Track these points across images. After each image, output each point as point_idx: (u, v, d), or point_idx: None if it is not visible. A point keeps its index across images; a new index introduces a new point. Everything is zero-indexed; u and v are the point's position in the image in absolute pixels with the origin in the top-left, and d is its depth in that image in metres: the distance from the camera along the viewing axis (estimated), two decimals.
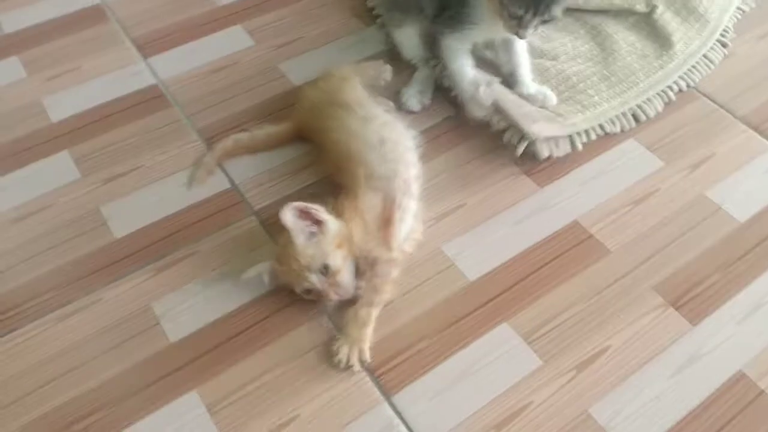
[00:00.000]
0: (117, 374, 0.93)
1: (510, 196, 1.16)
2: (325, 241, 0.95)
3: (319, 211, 0.96)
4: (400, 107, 1.26)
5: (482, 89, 1.17)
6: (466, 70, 1.21)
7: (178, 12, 1.49)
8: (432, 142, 1.20)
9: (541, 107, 1.24)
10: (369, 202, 1.01)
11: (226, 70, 1.37)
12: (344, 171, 1.06)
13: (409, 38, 1.31)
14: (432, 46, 1.29)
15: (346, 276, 0.96)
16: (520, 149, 1.19)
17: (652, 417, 0.90)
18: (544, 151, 1.18)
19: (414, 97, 1.27)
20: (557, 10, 1.09)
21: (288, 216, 0.94)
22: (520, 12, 1.07)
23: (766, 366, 0.95)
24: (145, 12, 1.49)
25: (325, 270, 0.94)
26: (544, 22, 1.10)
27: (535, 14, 1.08)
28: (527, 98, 1.24)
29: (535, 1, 1.06)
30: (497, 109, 1.19)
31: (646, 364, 0.95)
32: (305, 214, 0.96)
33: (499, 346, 0.97)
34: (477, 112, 1.20)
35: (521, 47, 1.25)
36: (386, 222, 1.01)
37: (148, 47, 1.41)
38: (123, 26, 1.46)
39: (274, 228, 1.09)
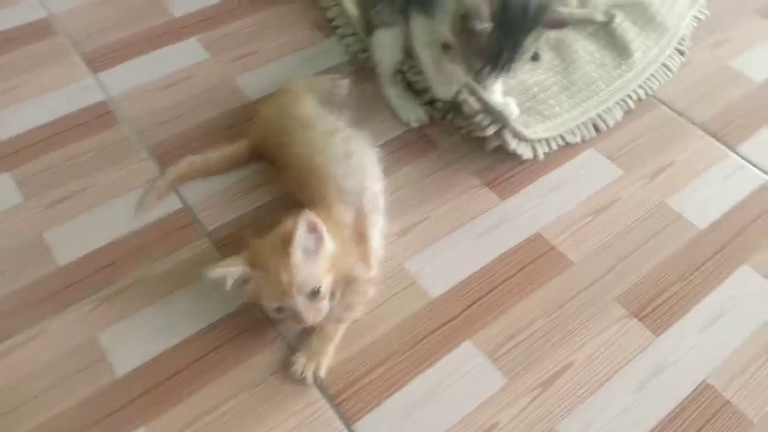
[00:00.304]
0: (58, 414, 0.88)
1: (472, 208, 1.14)
2: (320, 262, 0.88)
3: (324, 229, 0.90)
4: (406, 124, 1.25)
5: (448, 66, 1.15)
6: (433, 45, 1.17)
7: (132, 24, 1.44)
8: (391, 156, 1.18)
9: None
10: (343, 219, 0.97)
11: (180, 85, 1.32)
12: (308, 187, 1.01)
13: (394, 39, 1.23)
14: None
15: (327, 302, 0.90)
16: (491, 130, 1.16)
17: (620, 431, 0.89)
18: (511, 143, 1.17)
19: (412, 111, 1.25)
20: (518, 67, 1.07)
21: (303, 227, 0.86)
22: (477, 66, 1.05)
23: (730, 375, 0.95)
24: (96, 25, 1.44)
25: (314, 294, 0.87)
26: (504, 73, 1.07)
27: (492, 70, 1.05)
28: None
29: (494, 59, 1.03)
30: (470, 90, 1.17)
31: (612, 377, 0.94)
32: (314, 230, 0.88)
33: (463, 364, 0.95)
34: (444, 92, 1.17)
35: None
36: (362, 238, 0.97)
37: (97, 62, 1.36)
38: (72, 40, 1.40)
39: (228, 249, 1.06)
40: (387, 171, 1.11)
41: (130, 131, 1.23)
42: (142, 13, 1.47)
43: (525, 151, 1.18)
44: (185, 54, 1.39)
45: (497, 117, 1.16)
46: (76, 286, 1.01)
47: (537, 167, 1.20)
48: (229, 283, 0.88)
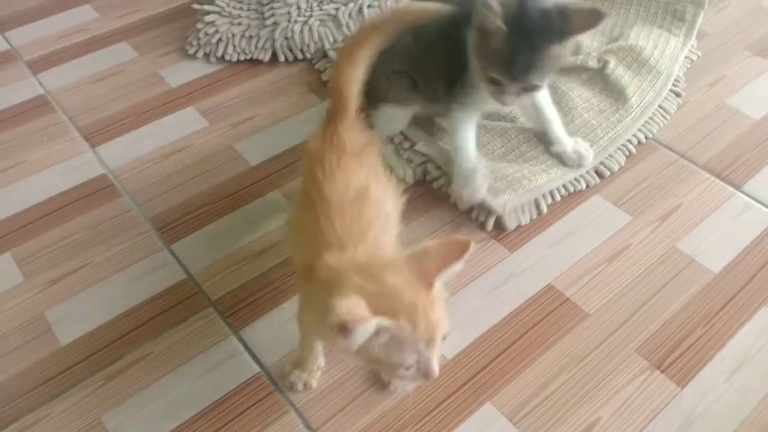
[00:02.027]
0: None
1: (480, 263, 1.12)
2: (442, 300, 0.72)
3: None
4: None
5: (480, 173, 1.13)
6: (469, 146, 1.15)
7: (129, 97, 1.45)
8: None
9: (577, 166, 1.22)
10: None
11: (179, 154, 1.32)
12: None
13: (405, 117, 1.24)
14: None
15: None
16: (490, 224, 1.16)
17: None
18: (511, 224, 1.16)
19: (404, 169, 1.24)
20: (537, 79, 1.02)
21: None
22: (498, 77, 1.03)
23: (761, 422, 0.91)
24: (93, 99, 1.45)
25: (443, 340, 0.71)
26: (525, 90, 1.05)
27: (511, 80, 1.02)
28: (562, 156, 1.23)
29: (511, 68, 1.00)
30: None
31: None
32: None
33: (484, 429, 0.91)
34: (467, 198, 1.14)
35: (547, 104, 1.22)
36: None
37: (96, 136, 1.36)
38: (69, 116, 1.41)
39: (234, 318, 1.03)
40: None
41: (131, 204, 1.22)
42: (138, 86, 1.48)
43: (528, 214, 1.17)
44: (183, 123, 1.39)
45: (491, 210, 1.16)
46: (81, 365, 0.98)
47: (544, 217, 1.19)
48: (360, 340, 0.65)
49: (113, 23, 1.67)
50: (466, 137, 1.16)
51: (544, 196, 1.20)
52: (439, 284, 0.69)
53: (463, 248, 0.70)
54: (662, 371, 0.97)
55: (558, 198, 1.21)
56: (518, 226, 1.17)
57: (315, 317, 0.77)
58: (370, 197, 0.83)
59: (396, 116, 1.23)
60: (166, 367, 0.97)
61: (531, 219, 1.18)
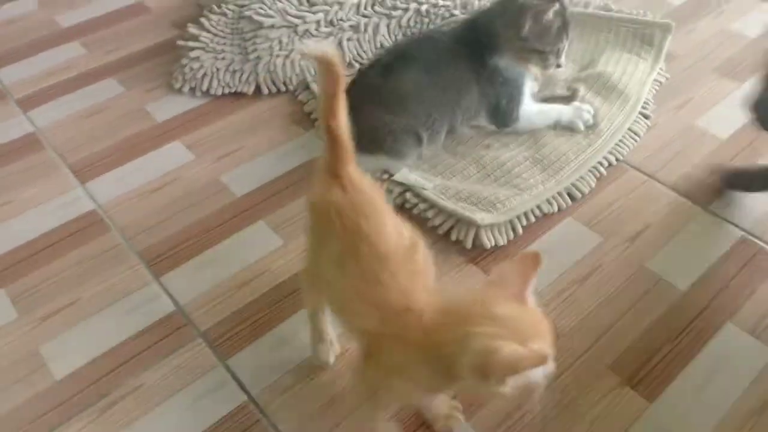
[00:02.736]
0: None
1: (459, 286, 1.16)
2: None
3: None
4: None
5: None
6: (545, 107, 1.42)
7: (116, 132, 1.50)
8: None
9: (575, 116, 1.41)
10: None
11: (167, 188, 1.37)
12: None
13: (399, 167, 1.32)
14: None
15: None
16: (469, 241, 1.21)
17: None
18: (488, 241, 1.20)
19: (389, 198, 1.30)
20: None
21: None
22: (548, 48, 1.31)
23: None
24: (81, 136, 1.49)
25: None
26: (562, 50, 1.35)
27: (557, 57, 1.34)
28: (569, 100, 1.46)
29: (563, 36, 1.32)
30: (439, 209, 1.23)
31: None
32: None
33: None
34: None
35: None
36: None
37: (85, 172, 1.40)
38: (59, 153, 1.45)
39: (222, 348, 1.07)
40: None
41: (121, 238, 1.26)
42: (125, 122, 1.53)
43: (504, 235, 1.22)
44: (170, 157, 1.43)
45: (470, 224, 1.21)
46: (75, 398, 1.01)
47: (518, 240, 1.23)
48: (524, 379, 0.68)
49: (100, 59, 1.71)
50: (538, 108, 1.41)
51: (518, 218, 1.25)
52: (531, 298, 0.74)
53: (536, 260, 0.75)
54: (632, 387, 1.01)
55: (532, 219, 1.26)
56: (494, 247, 1.22)
57: (419, 379, 0.78)
58: (418, 241, 0.84)
59: (394, 167, 1.30)
60: (157, 398, 1.01)
61: (507, 240, 1.23)
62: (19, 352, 1.08)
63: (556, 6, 1.29)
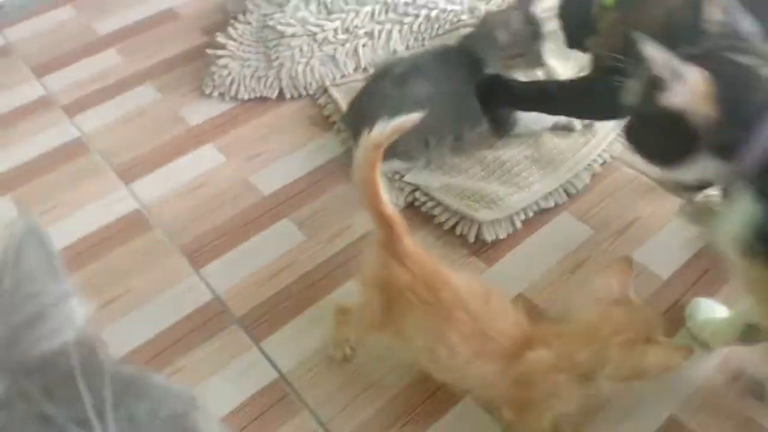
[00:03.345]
0: None
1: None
2: None
3: None
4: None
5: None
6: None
7: (153, 137, 1.65)
8: None
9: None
10: None
11: (202, 188, 1.52)
12: None
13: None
14: None
15: None
16: (472, 235, 1.34)
17: None
18: (489, 235, 1.34)
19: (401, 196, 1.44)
20: None
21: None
22: (536, 45, 1.48)
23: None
24: (123, 140, 1.65)
25: None
26: None
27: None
28: None
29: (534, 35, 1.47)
30: (444, 206, 1.37)
31: None
32: None
33: None
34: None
35: None
36: None
37: (128, 174, 1.56)
38: (104, 156, 1.61)
39: (256, 332, 1.23)
40: None
41: (163, 235, 1.42)
42: (162, 126, 1.68)
43: (505, 229, 1.36)
44: (204, 160, 1.59)
45: (473, 221, 1.35)
46: None
47: (517, 234, 1.37)
48: None
49: (136, 66, 1.86)
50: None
51: (517, 214, 1.38)
52: (634, 297, 0.91)
53: (629, 266, 0.93)
54: None
55: (531, 215, 1.39)
56: (495, 241, 1.35)
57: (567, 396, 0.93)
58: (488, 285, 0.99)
59: (403, 167, 1.44)
60: (200, 375, 1.18)
61: (507, 233, 1.36)
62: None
63: (518, 13, 1.45)
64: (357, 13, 1.73)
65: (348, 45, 1.71)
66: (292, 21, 1.71)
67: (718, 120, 0.84)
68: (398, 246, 0.97)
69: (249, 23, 1.78)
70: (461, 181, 1.44)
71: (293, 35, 1.70)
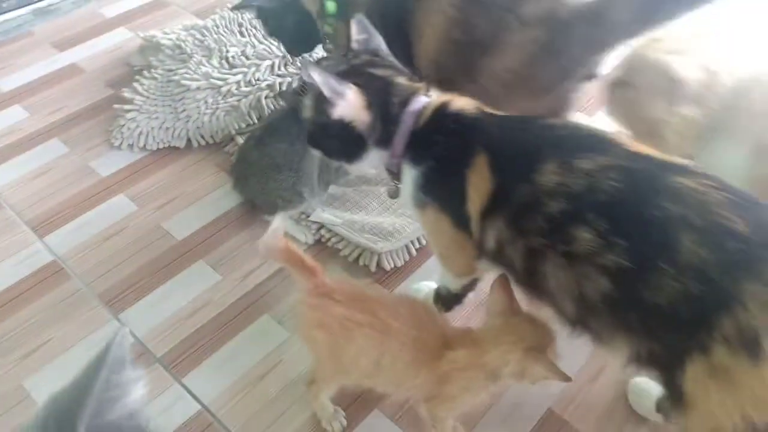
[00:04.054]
0: None
1: None
2: None
3: None
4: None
5: None
6: None
7: (67, 189, 1.71)
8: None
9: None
10: None
11: (116, 237, 1.60)
12: None
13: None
14: None
15: None
16: (373, 265, 1.50)
17: None
18: (388, 264, 1.50)
19: (301, 233, 1.57)
20: None
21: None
22: None
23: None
24: (35, 195, 1.70)
25: None
26: None
27: None
28: None
29: None
30: (347, 240, 1.52)
31: None
32: None
33: None
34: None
35: None
36: None
37: (42, 227, 1.61)
38: (16, 212, 1.65)
39: (177, 369, 1.32)
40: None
41: (81, 284, 1.49)
42: (73, 179, 1.74)
43: (402, 258, 1.52)
44: (117, 209, 1.66)
45: (373, 253, 1.51)
46: None
47: (414, 260, 1.53)
48: None
49: (43, 121, 1.92)
50: None
51: (412, 242, 1.55)
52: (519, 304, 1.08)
53: (505, 280, 1.07)
54: None
55: (424, 243, 1.56)
56: (394, 268, 1.51)
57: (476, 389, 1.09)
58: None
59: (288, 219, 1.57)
60: None
61: (404, 261, 1.53)
62: (4, 387, 1.30)
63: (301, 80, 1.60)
64: (258, 67, 1.87)
65: (251, 96, 1.84)
66: (196, 75, 1.83)
67: (373, 122, 1.09)
68: (322, 287, 1.10)
69: (155, 78, 1.88)
70: (361, 216, 1.59)
71: (198, 88, 1.81)
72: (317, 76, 1.04)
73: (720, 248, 0.82)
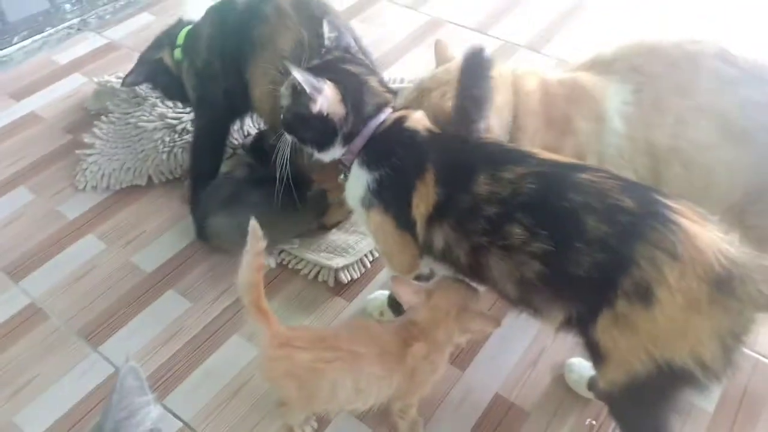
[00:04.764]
0: None
1: (329, 314, 1.59)
2: None
3: None
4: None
5: None
6: None
7: (37, 234, 1.81)
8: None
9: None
10: None
11: (89, 275, 1.70)
12: None
13: None
14: None
15: None
16: (331, 280, 1.63)
17: None
18: (345, 278, 1.64)
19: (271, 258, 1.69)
20: None
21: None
22: None
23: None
24: (9, 241, 1.79)
25: None
26: None
27: None
28: None
29: None
30: (305, 260, 1.65)
31: None
32: None
33: None
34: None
35: None
36: None
37: (17, 272, 1.71)
38: None
39: (158, 392, 1.43)
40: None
41: (59, 322, 1.59)
42: (44, 223, 1.84)
43: (357, 271, 1.66)
44: (87, 248, 1.77)
45: (330, 270, 1.64)
46: None
47: (369, 271, 1.67)
48: None
49: (7, 171, 2.00)
50: None
51: (366, 256, 1.69)
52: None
53: (398, 281, 1.26)
54: None
55: (377, 255, 1.70)
56: (351, 281, 1.65)
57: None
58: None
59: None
60: None
61: (360, 273, 1.67)
62: None
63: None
64: None
65: None
66: (152, 117, 1.95)
67: (347, 116, 1.22)
68: (280, 337, 1.19)
69: (112, 122, 1.99)
70: (317, 236, 1.73)
71: (155, 129, 1.93)
72: (298, 75, 1.16)
73: (615, 223, 1.01)
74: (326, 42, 1.32)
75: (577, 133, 1.27)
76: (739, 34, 2.31)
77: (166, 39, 1.84)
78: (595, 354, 1.09)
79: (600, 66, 1.32)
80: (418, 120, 1.24)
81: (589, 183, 1.05)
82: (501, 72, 1.30)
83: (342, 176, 1.31)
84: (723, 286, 0.95)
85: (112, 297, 1.65)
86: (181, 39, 1.79)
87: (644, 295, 0.98)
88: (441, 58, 1.40)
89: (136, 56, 1.94)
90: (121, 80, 2.08)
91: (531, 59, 2.35)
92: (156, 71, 1.85)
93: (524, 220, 1.07)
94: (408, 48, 2.43)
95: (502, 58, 2.32)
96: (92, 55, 2.46)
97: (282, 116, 1.28)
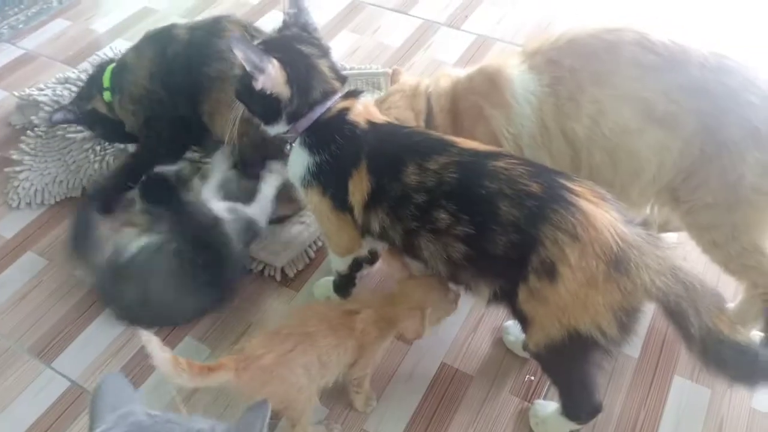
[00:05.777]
0: None
1: (277, 305, 1.65)
2: None
3: None
4: None
5: None
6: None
7: None
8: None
9: None
10: None
11: (34, 292, 1.70)
12: None
13: None
14: None
15: None
16: (278, 275, 1.69)
17: None
18: (290, 271, 1.70)
19: None
20: None
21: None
22: None
23: None
24: None
25: None
26: None
27: None
28: None
29: None
30: (256, 259, 1.71)
31: None
32: None
33: None
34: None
35: None
36: None
37: None
38: None
39: None
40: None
41: (9, 342, 1.59)
42: None
43: (302, 262, 1.73)
44: (28, 266, 1.76)
45: (275, 267, 1.71)
46: None
47: (313, 262, 1.74)
48: None
49: None
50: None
51: (310, 246, 1.75)
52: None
53: (395, 250, 1.36)
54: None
55: (320, 244, 1.77)
56: (297, 272, 1.71)
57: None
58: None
59: None
60: None
61: (305, 264, 1.73)
62: None
63: None
64: None
65: None
66: (80, 127, 1.93)
67: (291, 98, 1.26)
68: (241, 360, 1.23)
69: (39, 136, 1.97)
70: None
71: (84, 139, 1.93)
72: (238, 52, 1.19)
73: (524, 207, 1.12)
74: (284, 17, 1.33)
75: (488, 119, 1.37)
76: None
77: (94, 87, 1.82)
78: (522, 320, 1.21)
79: (526, 57, 1.41)
80: (359, 114, 1.31)
81: (501, 170, 1.16)
82: (411, 85, 1.47)
83: (288, 146, 1.37)
84: (619, 265, 1.07)
85: (60, 311, 1.66)
86: (107, 81, 1.79)
87: (550, 272, 1.10)
88: (395, 80, 1.58)
89: (55, 65, 1.93)
90: (42, 92, 2.06)
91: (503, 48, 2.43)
92: (93, 121, 1.83)
93: (448, 207, 1.18)
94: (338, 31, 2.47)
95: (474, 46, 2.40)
96: (9, 68, 2.40)
97: (234, 84, 1.33)
